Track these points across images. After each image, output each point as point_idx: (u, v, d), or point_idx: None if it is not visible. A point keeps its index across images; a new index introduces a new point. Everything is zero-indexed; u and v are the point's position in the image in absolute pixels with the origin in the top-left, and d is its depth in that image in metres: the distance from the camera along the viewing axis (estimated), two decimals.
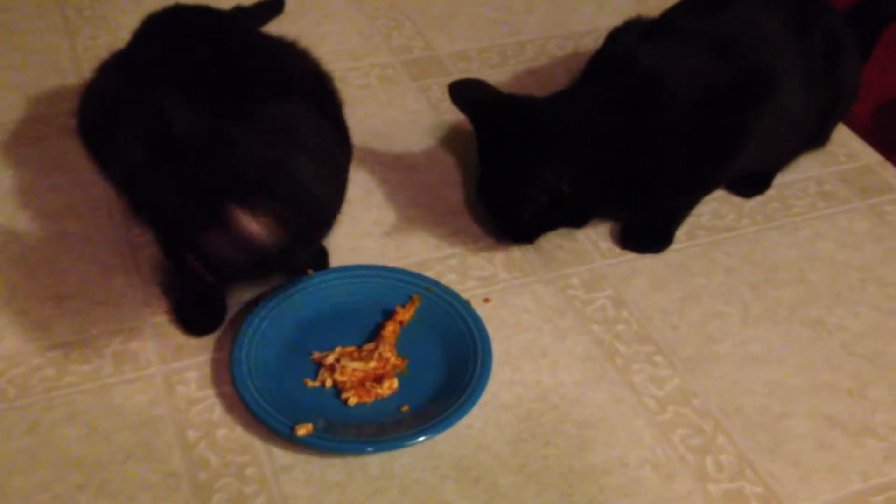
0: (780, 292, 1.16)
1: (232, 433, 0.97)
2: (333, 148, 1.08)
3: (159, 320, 1.08)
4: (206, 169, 0.90)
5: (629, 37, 1.26)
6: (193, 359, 1.04)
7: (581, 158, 1.11)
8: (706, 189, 1.25)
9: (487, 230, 1.21)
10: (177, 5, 1.23)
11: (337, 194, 1.06)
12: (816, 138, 1.35)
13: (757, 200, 1.30)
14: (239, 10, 1.51)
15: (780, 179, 1.33)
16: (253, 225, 0.89)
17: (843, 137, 1.42)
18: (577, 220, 1.20)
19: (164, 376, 1.02)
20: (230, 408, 0.99)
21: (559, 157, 1.11)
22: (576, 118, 1.13)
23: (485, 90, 1.21)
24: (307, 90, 1.12)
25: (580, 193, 1.13)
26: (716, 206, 1.28)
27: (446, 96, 1.45)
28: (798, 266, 1.20)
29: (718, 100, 1.15)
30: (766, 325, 1.12)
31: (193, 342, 1.06)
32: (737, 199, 1.30)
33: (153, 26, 1.21)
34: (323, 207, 1.02)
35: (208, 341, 1.06)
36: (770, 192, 1.31)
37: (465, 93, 1.21)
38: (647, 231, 1.23)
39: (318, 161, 1.01)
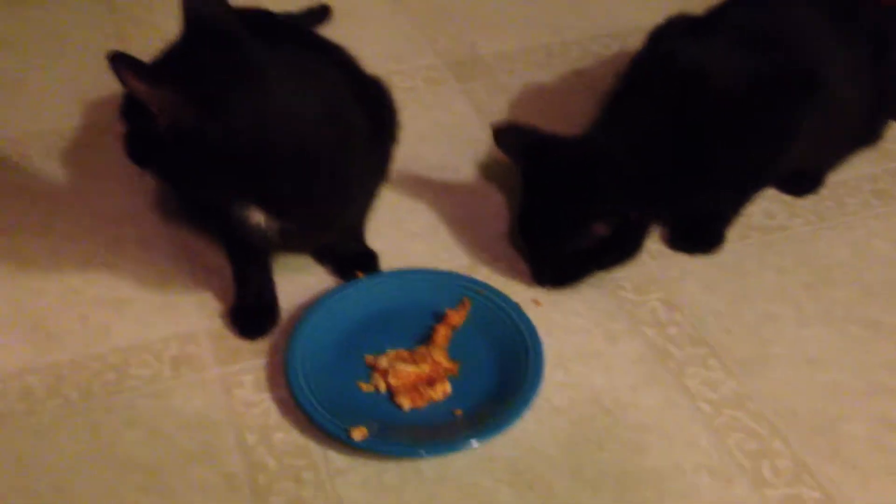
0: (835, 293, 1.15)
1: (289, 436, 0.98)
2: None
3: (215, 324, 1.10)
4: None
5: (671, 35, 1.25)
6: (249, 362, 1.06)
7: (639, 183, 1.11)
8: (756, 186, 1.24)
9: (527, 272, 1.18)
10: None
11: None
12: (868, 135, 1.33)
13: (809, 199, 1.29)
14: (287, 17, 1.53)
15: (833, 178, 1.31)
16: None
17: None
18: (631, 248, 1.16)
19: (221, 380, 1.04)
20: (286, 411, 1.00)
21: (620, 186, 1.10)
22: (625, 145, 1.12)
23: (526, 133, 1.20)
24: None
25: (640, 221, 1.13)
26: (767, 206, 1.27)
27: (492, 98, 1.46)
28: (853, 266, 1.19)
29: (765, 95, 1.14)
30: (822, 327, 1.11)
31: (249, 346, 1.07)
32: (788, 198, 1.29)
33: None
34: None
35: (263, 345, 1.07)
36: (823, 191, 1.30)
37: (509, 135, 1.20)
38: (698, 232, 1.23)
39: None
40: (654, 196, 1.12)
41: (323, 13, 1.62)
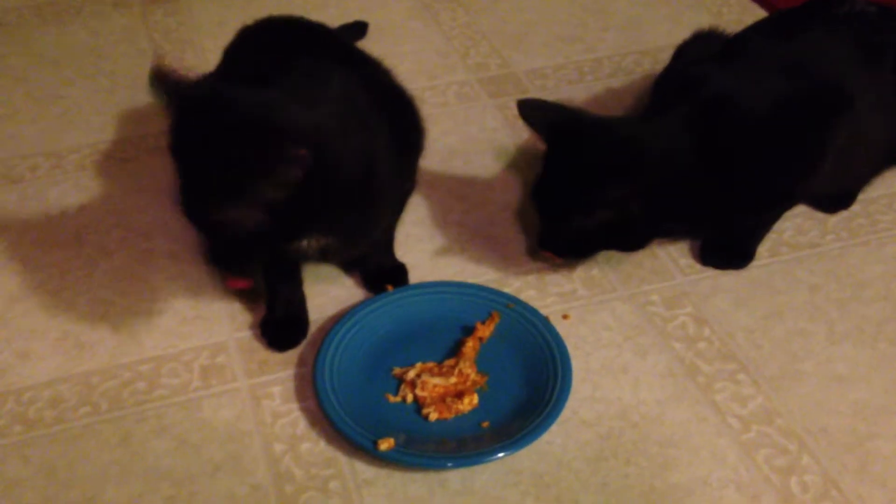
0: (867, 310, 1.14)
1: (316, 447, 0.99)
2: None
3: (244, 335, 1.11)
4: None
5: (699, 52, 1.25)
6: (278, 373, 1.06)
7: (657, 178, 1.10)
8: (785, 206, 1.23)
9: (529, 243, 1.20)
10: (270, 18, 1.25)
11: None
12: None
13: (841, 216, 1.28)
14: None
15: (865, 195, 1.30)
16: None
17: None
18: (632, 244, 1.17)
19: (249, 390, 1.05)
20: (314, 422, 1.01)
21: (634, 175, 1.10)
22: (649, 140, 1.12)
23: (554, 107, 1.21)
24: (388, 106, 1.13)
25: (645, 216, 1.12)
26: (799, 222, 1.27)
27: None
28: (885, 283, 1.18)
29: (794, 115, 1.13)
30: (853, 344, 1.10)
31: (277, 357, 1.08)
32: (820, 215, 1.28)
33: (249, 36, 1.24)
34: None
35: (291, 356, 1.08)
36: (855, 208, 1.29)
37: (535, 110, 1.21)
38: (728, 247, 1.22)
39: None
40: (661, 206, 1.12)
41: (360, 29, 1.63)
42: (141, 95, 1.52)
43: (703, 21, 1.63)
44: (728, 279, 1.19)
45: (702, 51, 1.27)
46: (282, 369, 1.07)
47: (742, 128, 1.12)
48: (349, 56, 1.21)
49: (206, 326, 1.12)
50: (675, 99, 1.16)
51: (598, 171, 1.10)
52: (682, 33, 1.38)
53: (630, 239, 1.16)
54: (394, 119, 1.08)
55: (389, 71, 1.20)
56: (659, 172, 1.10)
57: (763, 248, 1.22)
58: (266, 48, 1.17)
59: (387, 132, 1.04)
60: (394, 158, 1.06)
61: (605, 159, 1.11)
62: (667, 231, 1.21)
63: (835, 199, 1.29)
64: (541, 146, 1.18)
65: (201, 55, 1.27)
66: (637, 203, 1.10)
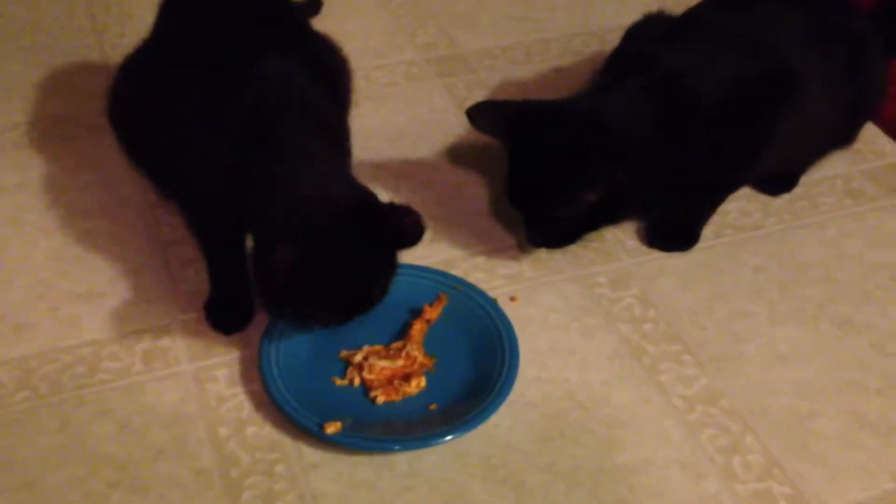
0: (808, 291, 1.16)
1: (262, 430, 0.98)
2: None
3: (189, 318, 1.09)
4: None
5: (649, 33, 1.25)
6: (223, 356, 1.05)
7: (628, 152, 1.10)
8: (732, 187, 1.25)
9: (518, 238, 1.20)
10: None
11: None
12: (843, 138, 1.34)
13: (784, 198, 1.30)
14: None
15: (808, 177, 1.32)
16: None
17: (871, 135, 1.41)
18: (616, 218, 1.18)
19: (194, 374, 1.03)
20: (259, 405, 1.00)
21: (611, 152, 1.10)
22: (614, 115, 1.12)
23: (505, 104, 1.20)
24: (317, 71, 1.13)
25: (629, 187, 1.12)
26: (743, 205, 1.28)
27: (472, 94, 1.47)
28: (826, 265, 1.20)
29: (743, 96, 1.14)
30: (794, 325, 1.11)
31: (223, 340, 1.07)
32: (764, 198, 1.30)
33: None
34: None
35: (237, 339, 1.07)
36: (797, 191, 1.31)
37: (487, 112, 1.19)
38: (674, 229, 1.23)
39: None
40: (639, 176, 1.12)
41: (315, 6, 1.61)
42: (82, 72, 1.49)
43: (652, 1, 1.64)
44: (673, 261, 1.20)
45: (652, 32, 1.27)
46: (227, 352, 1.06)
47: (691, 107, 1.13)
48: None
49: (149, 309, 1.10)
50: (628, 76, 1.16)
51: (572, 154, 1.10)
52: (630, 15, 1.39)
53: (619, 213, 1.17)
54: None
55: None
56: (627, 144, 1.10)
57: (707, 231, 1.23)
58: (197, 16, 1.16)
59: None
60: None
61: (576, 140, 1.10)
62: (632, 210, 1.22)
63: (778, 181, 1.31)
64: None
65: (143, 29, 1.24)
66: (619, 176, 1.10)
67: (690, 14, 1.25)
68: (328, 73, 1.19)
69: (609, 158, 1.09)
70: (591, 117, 1.12)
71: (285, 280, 0.93)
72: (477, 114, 1.19)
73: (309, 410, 0.96)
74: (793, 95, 1.16)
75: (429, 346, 1.05)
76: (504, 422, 0.99)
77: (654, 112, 1.12)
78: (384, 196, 1.25)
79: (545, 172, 1.11)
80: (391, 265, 0.99)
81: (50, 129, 1.37)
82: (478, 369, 1.03)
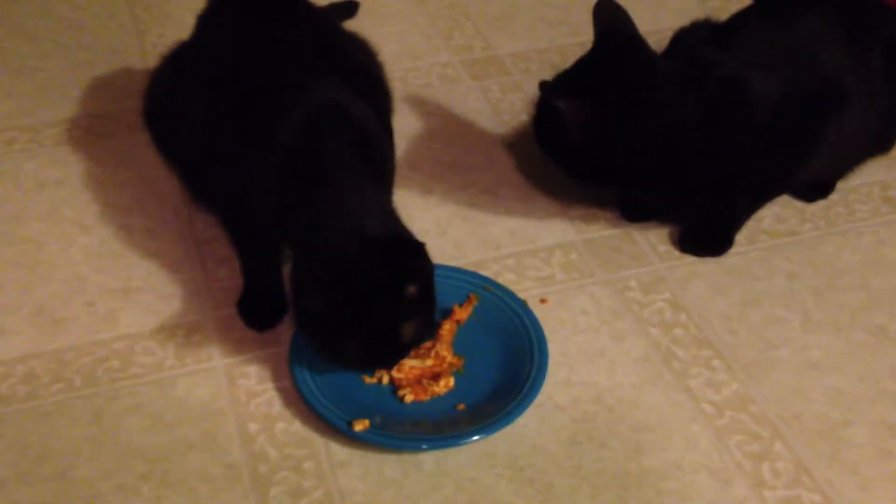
0: (843, 298, 1.15)
1: (291, 427, 0.99)
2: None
3: (221, 314, 1.10)
4: None
5: (696, 39, 1.25)
6: (254, 353, 1.06)
7: (659, 116, 1.12)
8: (772, 194, 1.24)
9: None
10: None
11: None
12: (881, 144, 1.33)
13: (819, 205, 1.28)
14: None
15: (844, 184, 1.31)
16: None
17: None
18: (625, 177, 1.18)
19: (225, 369, 1.04)
20: (289, 402, 1.01)
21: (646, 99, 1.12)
22: (670, 85, 1.13)
23: (626, 22, 1.19)
24: (362, 86, 1.13)
25: (640, 146, 1.13)
26: (778, 210, 1.27)
27: (506, 96, 1.47)
28: (861, 272, 1.18)
29: (794, 109, 1.14)
30: (828, 332, 1.10)
31: (254, 336, 1.08)
32: (799, 203, 1.28)
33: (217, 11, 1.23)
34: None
35: (269, 336, 1.08)
36: (833, 197, 1.29)
37: (608, 14, 1.20)
38: (707, 234, 1.22)
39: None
40: (658, 144, 1.13)
41: (350, 9, 1.62)
42: (122, 71, 1.51)
43: (690, 6, 1.63)
44: (706, 266, 1.19)
45: (700, 38, 1.27)
46: (258, 349, 1.06)
47: (746, 114, 1.13)
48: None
49: (183, 304, 1.12)
50: (680, 80, 1.15)
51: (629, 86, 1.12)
52: (668, 19, 1.38)
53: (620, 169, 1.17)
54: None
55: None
56: (667, 116, 1.12)
57: (741, 236, 1.22)
58: (243, 20, 1.17)
59: None
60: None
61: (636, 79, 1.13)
62: (663, 203, 1.22)
63: (814, 187, 1.30)
64: (526, 132, 1.18)
65: (184, 30, 1.26)
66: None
67: (736, 22, 1.24)
68: (371, 83, 1.19)
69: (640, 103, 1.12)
70: (657, 71, 1.14)
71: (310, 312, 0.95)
72: (601, 9, 1.20)
73: (338, 408, 0.97)
74: (841, 109, 1.16)
75: (458, 347, 1.05)
76: (532, 423, 0.99)
77: (704, 114, 1.12)
78: (416, 198, 1.27)
79: (590, 83, 1.15)
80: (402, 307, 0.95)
81: (89, 127, 1.39)
82: (506, 370, 1.03)
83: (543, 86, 1.16)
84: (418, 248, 0.94)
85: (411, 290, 0.93)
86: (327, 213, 0.98)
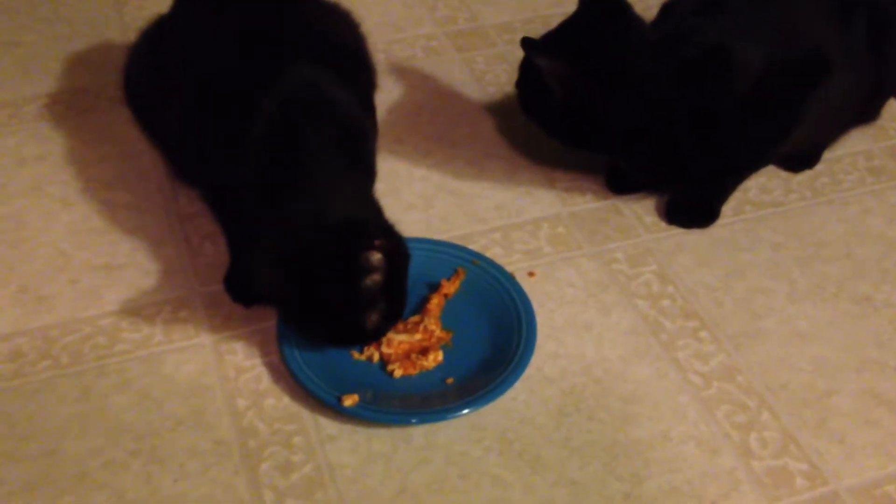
0: (828, 268, 1.15)
1: (279, 402, 0.98)
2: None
3: (208, 290, 1.10)
4: None
5: (686, 9, 1.24)
6: (242, 328, 1.06)
7: (642, 83, 1.12)
8: (757, 165, 1.24)
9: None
10: None
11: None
12: (866, 114, 1.33)
13: (805, 175, 1.29)
14: None
15: (829, 154, 1.31)
16: None
17: (894, 112, 1.39)
18: (602, 142, 1.18)
19: (213, 345, 1.04)
20: (277, 377, 1.01)
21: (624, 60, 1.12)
22: (653, 51, 1.13)
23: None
24: (340, 62, 1.12)
25: (613, 107, 1.13)
26: (763, 181, 1.27)
27: (491, 68, 1.46)
28: (846, 242, 1.19)
29: (778, 78, 1.14)
30: (813, 302, 1.11)
31: (242, 312, 1.07)
32: (784, 174, 1.29)
33: None
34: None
35: (256, 311, 1.07)
36: (819, 167, 1.30)
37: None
38: (693, 206, 1.22)
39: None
40: (636, 110, 1.14)
41: None
42: (101, 44, 1.49)
43: None
44: (692, 237, 1.19)
45: (686, 9, 1.26)
46: (246, 324, 1.06)
47: (727, 83, 1.12)
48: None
49: (169, 280, 1.11)
50: (668, 49, 1.15)
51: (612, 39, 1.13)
52: None
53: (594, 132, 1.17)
54: None
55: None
56: (647, 83, 1.12)
57: (727, 207, 1.23)
58: None
59: None
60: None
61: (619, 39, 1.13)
62: (645, 173, 1.22)
63: (800, 158, 1.30)
64: (512, 103, 1.17)
65: (163, 2, 1.25)
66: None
67: None
68: (352, 58, 1.19)
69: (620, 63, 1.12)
70: (640, 36, 1.14)
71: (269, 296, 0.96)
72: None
73: (326, 383, 0.97)
74: (825, 79, 1.15)
75: (446, 321, 1.05)
76: (520, 396, 0.99)
77: (689, 83, 1.12)
78: (402, 171, 1.26)
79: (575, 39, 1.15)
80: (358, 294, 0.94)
81: (70, 102, 1.38)
82: (495, 344, 1.03)
83: (526, 42, 1.15)
84: (375, 237, 0.91)
85: (374, 278, 0.92)
86: (298, 197, 0.97)
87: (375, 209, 1.01)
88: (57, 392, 0.99)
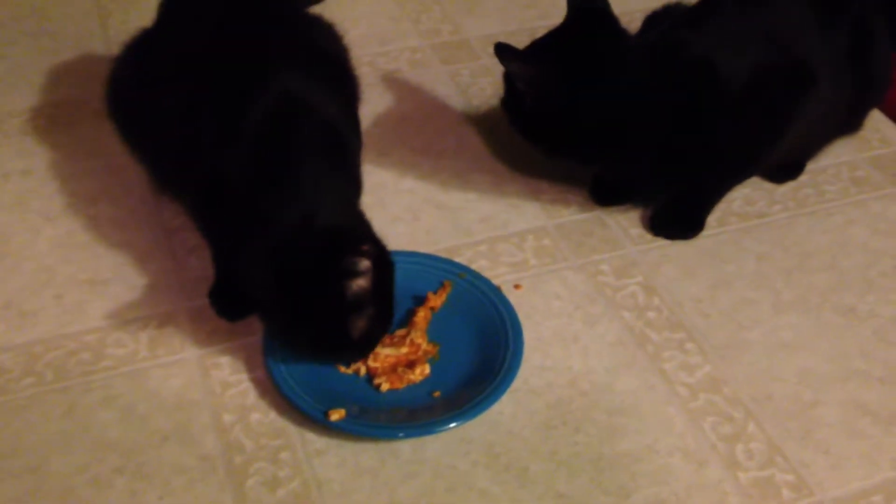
0: (812, 279, 1.16)
1: (266, 417, 0.98)
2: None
3: (193, 305, 1.09)
4: None
5: (670, 21, 1.25)
6: (227, 343, 1.05)
7: (624, 91, 1.12)
8: (741, 176, 1.25)
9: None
10: None
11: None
12: (849, 125, 1.34)
13: (789, 186, 1.29)
14: None
15: (813, 165, 1.32)
16: None
17: (876, 122, 1.40)
18: (580, 151, 1.19)
19: (198, 360, 1.04)
20: (264, 392, 1.00)
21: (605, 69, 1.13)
22: (639, 63, 1.14)
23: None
24: (323, 73, 1.12)
25: (589, 117, 1.14)
26: (747, 192, 1.28)
27: (476, 80, 1.47)
28: (830, 252, 1.19)
29: (766, 90, 1.14)
30: (798, 313, 1.11)
31: (227, 327, 1.07)
32: (768, 185, 1.29)
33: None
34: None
35: (242, 326, 1.07)
36: (802, 178, 1.30)
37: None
38: (678, 217, 1.23)
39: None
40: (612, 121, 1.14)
41: None
42: (86, 57, 1.49)
43: None
44: (677, 249, 1.20)
45: (672, 21, 1.27)
46: (231, 339, 1.06)
47: (717, 96, 1.13)
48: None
49: (154, 295, 1.11)
50: (653, 61, 1.15)
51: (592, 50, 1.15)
52: (635, 2, 1.38)
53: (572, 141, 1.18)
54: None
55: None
56: (631, 92, 1.13)
57: (712, 218, 1.23)
58: (206, 6, 1.16)
59: None
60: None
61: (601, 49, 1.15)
62: (628, 182, 1.23)
63: (784, 169, 1.30)
64: (497, 115, 1.18)
65: (148, 15, 1.24)
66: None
67: (708, 3, 1.25)
68: (336, 71, 1.19)
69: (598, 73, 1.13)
70: (624, 47, 1.16)
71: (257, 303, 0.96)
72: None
73: (313, 397, 0.97)
74: (811, 91, 1.16)
75: (432, 334, 1.05)
76: (507, 409, 0.99)
77: (674, 95, 1.12)
78: (388, 184, 1.26)
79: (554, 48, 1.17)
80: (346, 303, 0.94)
81: (54, 115, 1.37)
82: (481, 357, 1.03)
83: (498, 48, 1.16)
84: (360, 243, 0.92)
85: (360, 283, 0.92)
86: (285, 205, 0.97)
87: (362, 218, 1.02)
88: (41, 408, 0.98)
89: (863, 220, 1.24)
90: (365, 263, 0.92)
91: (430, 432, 0.96)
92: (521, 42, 1.52)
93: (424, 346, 1.03)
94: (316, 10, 1.36)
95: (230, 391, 1.01)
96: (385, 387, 1.00)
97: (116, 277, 1.12)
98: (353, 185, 1.09)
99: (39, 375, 1.01)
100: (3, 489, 0.91)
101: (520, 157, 1.29)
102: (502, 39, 1.54)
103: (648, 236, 1.21)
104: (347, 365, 1.02)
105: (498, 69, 1.22)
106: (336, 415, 0.94)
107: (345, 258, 0.91)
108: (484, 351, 1.03)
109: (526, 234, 1.20)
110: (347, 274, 0.92)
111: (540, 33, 1.22)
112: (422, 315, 1.06)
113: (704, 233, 1.21)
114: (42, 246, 1.16)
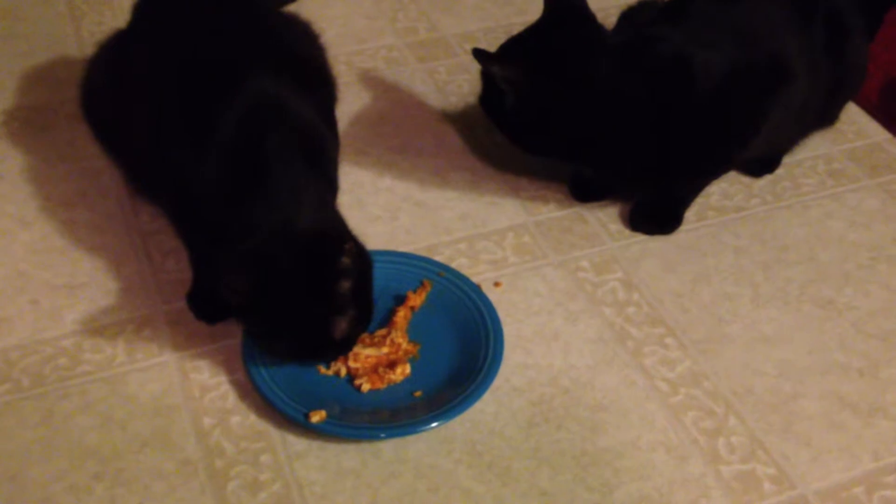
0: (791, 272, 1.16)
1: (246, 420, 0.97)
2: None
3: (171, 308, 1.08)
4: None
5: (645, 17, 1.25)
6: (206, 346, 1.04)
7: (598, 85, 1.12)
8: (719, 171, 1.25)
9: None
10: None
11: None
12: (825, 118, 1.35)
13: (766, 180, 1.30)
14: None
15: (790, 158, 1.33)
16: None
17: (852, 115, 1.41)
18: (561, 149, 1.19)
19: (177, 364, 1.03)
20: (244, 395, 1.00)
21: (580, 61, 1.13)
22: (615, 58, 1.14)
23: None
24: (300, 74, 1.12)
25: (569, 115, 1.14)
26: (725, 187, 1.28)
27: (453, 78, 1.46)
28: (808, 245, 1.20)
29: (742, 85, 1.15)
30: (777, 306, 1.12)
31: (206, 329, 1.06)
32: (746, 179, 1.30)
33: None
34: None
35: (221, 328, 1.06)
36: (779, 171, 1.31)
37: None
38: (657, 212, 1.23)
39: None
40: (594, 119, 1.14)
41: None
42: (59, 61, 1.47)
43: None
44: (657, 244, 1.20)
45: (647, 17, 1.27)
46: (210, 342, 1.05)
47: (693, 91, 1.13)
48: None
49: (131, 298, 1.10)
50: (628, 57, 1.15)
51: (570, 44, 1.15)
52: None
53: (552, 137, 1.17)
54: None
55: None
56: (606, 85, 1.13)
57: (690, 213, 1.23)
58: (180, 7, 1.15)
59: None
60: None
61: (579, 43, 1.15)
62: (604, 177, 1.23)
63: (761, 163, 1.31)
64: (476, 112, 1.18)
65: (121, 17, 1.23)
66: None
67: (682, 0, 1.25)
68: (312, 71, 1.18)
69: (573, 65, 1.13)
70: (600, 44, 1.15)
71: (236, 306, 0.96)
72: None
73: (294, 399, 0.96)
74: (787, 86, 1.17)
75: (413, 333, 1.05)
76: (489, 408, 0.99)
77: (651, 91, 1.12)
78: (366, 183, 1.26)
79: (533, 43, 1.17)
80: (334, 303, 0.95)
81: (27, 119, 1.36)
82: (462, 356, 1.03)
83: (477, 53, 1.15)
84: (344, 243, 0.92)
85: (344, 285, 0.92)
86: (263, 207, 0.97)
87: (339, 218, 1.02)
88: (18, 415, 0.97)
89: (840, 213, 1.25)
90: (348, 263, 0.92)
91: (411, 432, 0.95)
92: (497, 39, 1.52)
93: (405, 345, 1.03)
94: (291, 9, 1.35)
95: (210, 394, 1.00)
96: (366, 387, 0.99)
97: (93, 282, 1.11)
98: (330, 185, 1.08)
99: (16, 382, 1.00)
100: None
101: (498, 154, 1.29)
102: (479, 36, 1.56)
103: (627, 232, 1.21)
104: (327, 365, 1.01)
105: (475, 67, 1.22)
106: (317, 416, 0.94)
107: (338, 261, 0.91)
108: (465, 349, 1.03)
109: (505, 231, 1.20)
110: (338, 276, 0.92)
111: (515, 30, 1.21)
112: (402, 314, 1.06)
113: (683, 228, 1.22)
114: (17, 250, 1.15)
